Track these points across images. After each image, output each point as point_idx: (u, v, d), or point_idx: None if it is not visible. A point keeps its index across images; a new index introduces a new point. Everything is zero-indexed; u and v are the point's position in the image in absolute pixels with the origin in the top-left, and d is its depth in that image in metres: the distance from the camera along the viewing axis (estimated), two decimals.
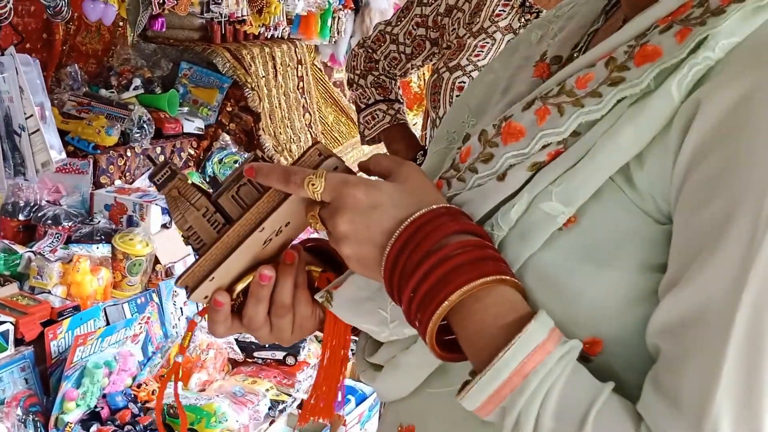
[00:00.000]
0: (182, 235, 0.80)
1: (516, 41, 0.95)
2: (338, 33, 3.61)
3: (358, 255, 0.71)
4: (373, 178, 0.75)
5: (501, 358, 0.63)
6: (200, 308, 0.84)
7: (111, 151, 2.68)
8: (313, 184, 0.70)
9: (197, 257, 0.79)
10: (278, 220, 0.77)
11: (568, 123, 0.69)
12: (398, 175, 0.72)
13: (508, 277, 0.67)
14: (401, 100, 2.25)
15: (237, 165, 3.11)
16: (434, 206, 0.69)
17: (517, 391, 0.63)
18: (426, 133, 2.09)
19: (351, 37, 3.77)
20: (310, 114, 3.74)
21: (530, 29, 0.94)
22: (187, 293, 0.79)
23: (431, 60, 2.13)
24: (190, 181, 0.80)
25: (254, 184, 0.77)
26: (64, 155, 1.88)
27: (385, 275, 0.70)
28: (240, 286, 0.80)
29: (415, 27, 2.07)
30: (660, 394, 0.62)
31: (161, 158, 2.91)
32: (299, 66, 3.66)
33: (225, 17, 2.64)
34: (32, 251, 2.27)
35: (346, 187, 0.70)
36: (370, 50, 2.18)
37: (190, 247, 0.80)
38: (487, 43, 1.91)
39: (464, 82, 1.89)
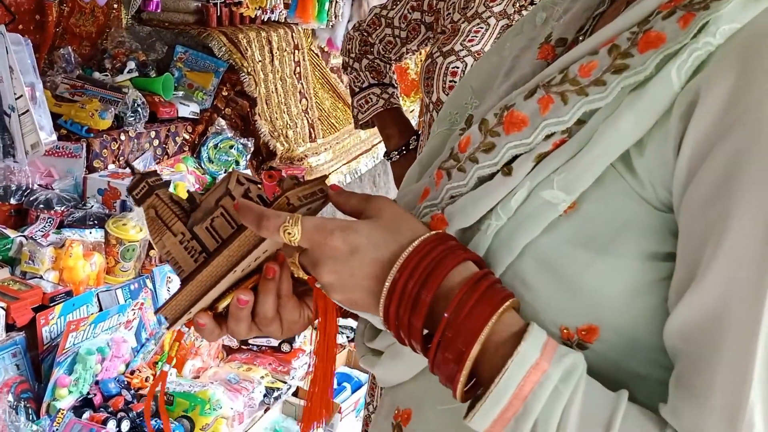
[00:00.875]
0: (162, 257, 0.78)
1: (521, 22, 0.95)
2: (336, 17, 3.56)
3: (350, 300, 0.71)
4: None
5: (497, 384, 0.63)
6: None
7: (104, 135, 2.64)
8: (289, 233, 0.69)
9: (180, 284, 0.78)
10: (254, 256, 0.75)
11: (572, 112, 0.68)
12: (370, 211, 0.71)
13: (507, 303, 0.66)
14: (395, 85, 2.23)
15: (232, 150, 3.08)
16: (416, 243, 0.68)
17: (519, 414, 0.62)
18: (422, 120, 2.07)
19: (348, 21, 3.73)
20: (307, 99, 3.70)
21: (535, 11, 0.93)
22: (167, 323, 0.78)
23: (426, 44, 2.10)
24: (168, 194, 0.78)
25: (227, 217, 0.75)
26: (54, 137, 1.85)
27: (387, 325, 0.70)
28: (222, 305, 0.79)
29: (410, 11, 2.05)
30: (687, 395, 0.62)
31: (155, 142, 2.87)
32: (296, 51, 3.61)
33: None
34: (24, 236, 2.24)
35: (322, 235, 0.68)
36: (365, 34, 2.16)
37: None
38: (481, 28, 1.88)
39: (458, 68, 1.86)
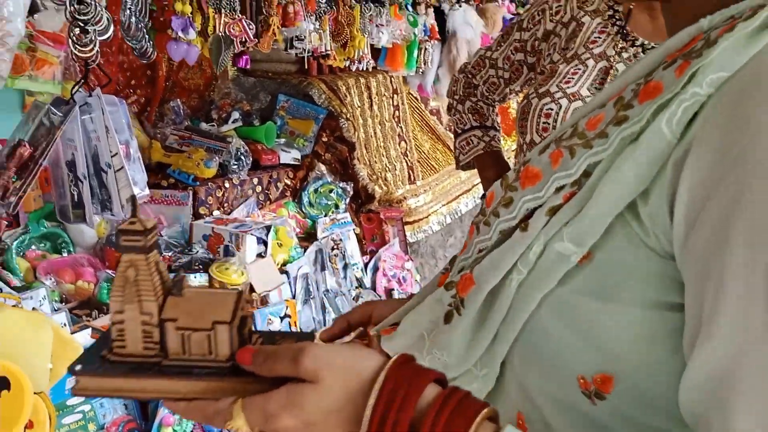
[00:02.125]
0: (110, 318, 0.70)
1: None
2: (425, 64, 3.61)
3: None
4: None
5: None
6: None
7: (209, 183, 2.77)
8: (235, 428, 0.67)
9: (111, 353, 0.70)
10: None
11: (577, 165, 0.69)
12: (304, 377, 0.66)
13: (482, 414, 0.63)
14: (497, 128, 2.24)
15: (332, 194, 3.15)
16: (372, 401, 0.64)
17: None
18: (517, 161, 2.07)
19: (438, 67, 3.77)
20: (406, 142, 3.76)
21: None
22: (73, 385, 0.70)
23: (530, 85, 2.11)
24: (157, 259, 0.69)
25: (211, 340, 0.68)
26: (147, 191, 1.97)
27: None
28: None
29: (513, 52, 2.06)
30: None
31: (257, 188, 2.98)
32: (395, 95, 3.69)
33: (309, 52, 2.69)
34: None
35: (270, 420, 0.66)
36: (469, 75, 2.19)
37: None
38: (579, 69, 1.87)
39: (551, 109, 1.86)
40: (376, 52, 3.35)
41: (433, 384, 0.65)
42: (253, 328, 0.73)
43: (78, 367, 0.69)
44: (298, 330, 2.72)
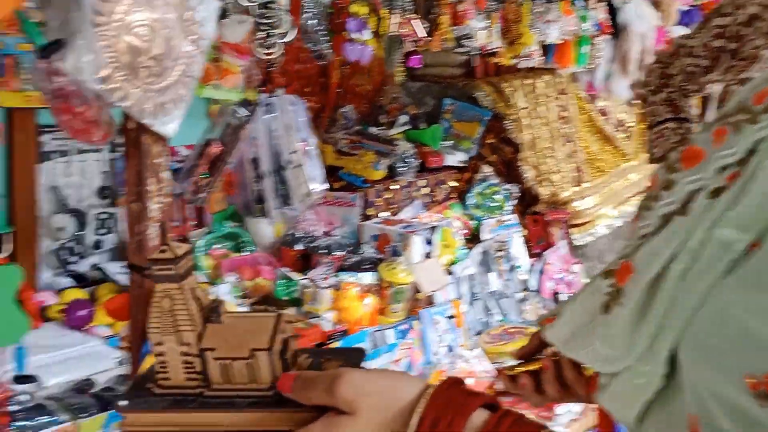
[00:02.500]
0: (152, 350, 0.68)
1: None
2: (595, 59, 3.52)
3: None
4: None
5: None
6: None
7: (378, 185, 2.84)
8: None
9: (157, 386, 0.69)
10: None
11: (741, 142, 0.62)
12: (341, 407, 0.64)
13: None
14: (692, 120, 2.13)
15: (497, 196, 3.14)
16: (420, 412, 0.62)
17: None
18: None
19: (612, 62, 3.66)
20: (573, 143, 3.68)
21: None
22: (122, 420, 0.69)
23: (729, 73, 1.99)
24: (193, 285, 0.68)
25: (255, 365, 0.67)
26: (325, 186, 2.05)
27: None
28: None
29: (712, 38, 1.95)
30: None
31: (424, 190, 3.02)
32: (562, 95, 3.62)
33: (477, 50, 2.70)
34: (307, 278, 2.47)
35: None
36: (664, 66, 2.10)
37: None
38: None
39: None
40: (544, 49, 3.31)
41: (482, 409, 0.63)
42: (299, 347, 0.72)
43: (124, 403, 0.69)
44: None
